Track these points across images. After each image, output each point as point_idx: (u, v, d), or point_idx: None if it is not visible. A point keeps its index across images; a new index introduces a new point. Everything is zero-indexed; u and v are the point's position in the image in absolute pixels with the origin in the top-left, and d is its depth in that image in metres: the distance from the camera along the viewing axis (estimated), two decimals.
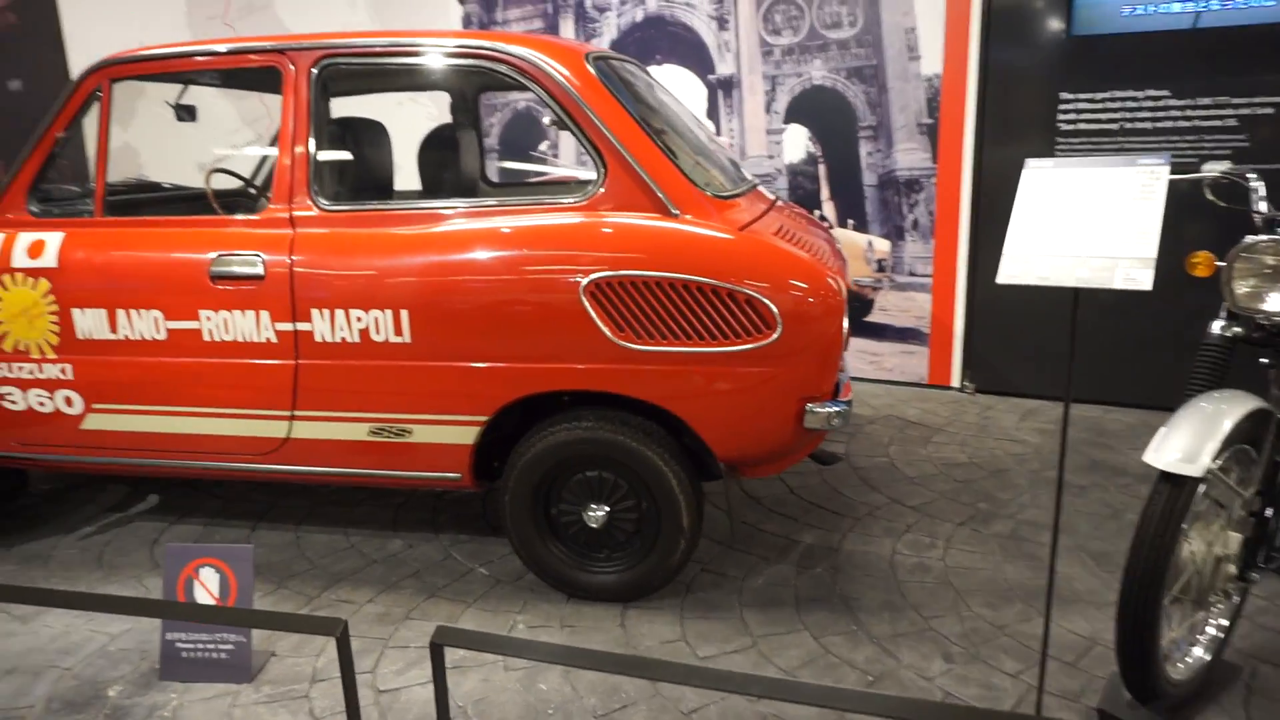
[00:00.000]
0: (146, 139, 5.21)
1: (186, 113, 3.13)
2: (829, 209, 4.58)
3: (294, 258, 2.36)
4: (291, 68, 2.42)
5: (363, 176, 2.61)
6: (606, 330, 2.22)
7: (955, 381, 4.43)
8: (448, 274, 2.27)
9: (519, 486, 2.42)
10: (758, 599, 2.51)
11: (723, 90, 4.70)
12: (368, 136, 2.65)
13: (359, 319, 2.34)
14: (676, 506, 2.34)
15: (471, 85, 3.41)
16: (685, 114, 3.08)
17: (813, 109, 4.51)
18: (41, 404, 2.62)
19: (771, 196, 3.08)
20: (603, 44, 4.96)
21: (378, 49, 2.38)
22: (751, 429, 2.26)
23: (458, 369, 2.33)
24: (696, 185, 2.29)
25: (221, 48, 2.46)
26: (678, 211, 2.25)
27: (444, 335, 2.31)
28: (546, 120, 2.26)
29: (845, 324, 2.29)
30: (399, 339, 2.33)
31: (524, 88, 2.32)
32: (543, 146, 5.19)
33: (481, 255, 2.26)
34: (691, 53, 4.74)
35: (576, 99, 2.28)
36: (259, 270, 2.38)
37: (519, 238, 2.25)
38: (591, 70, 2.34)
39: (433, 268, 2.28)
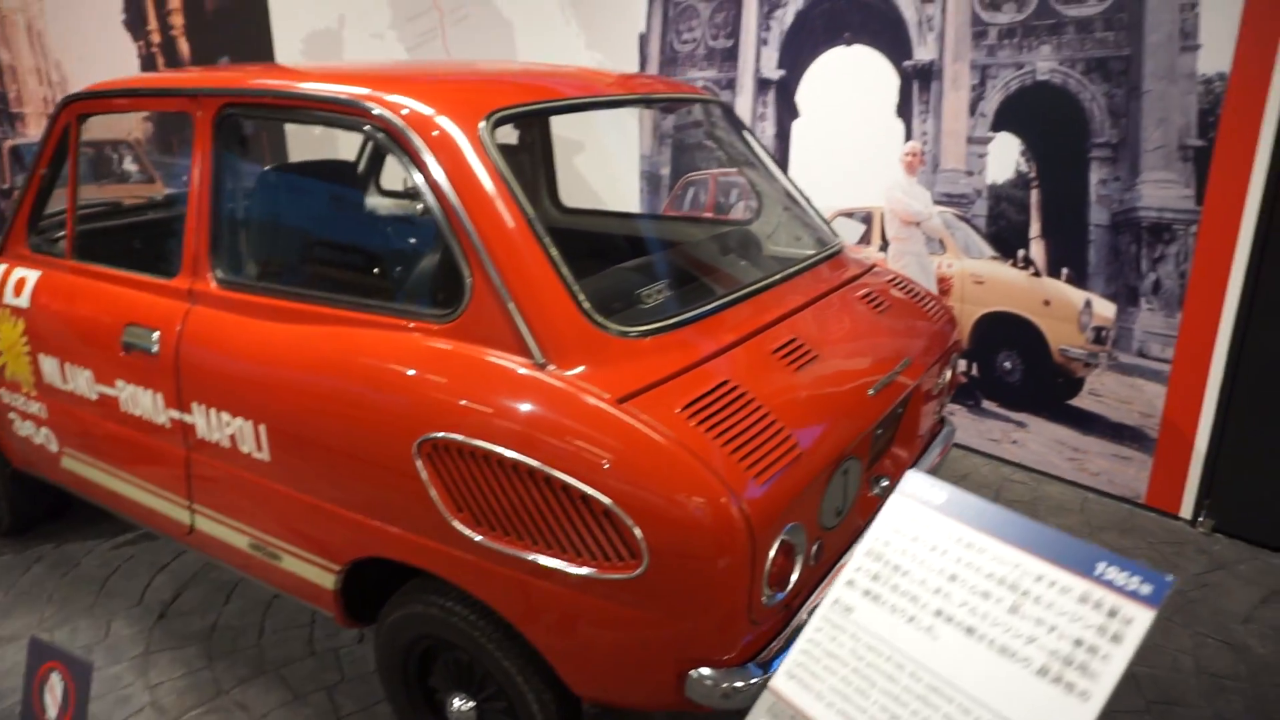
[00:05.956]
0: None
1: None
2: (1037, 250, 3.41)
3: (182, 339, 2.06)
4: (199, 113, 2.07)
5: (309, 241, 2.22)
6: (442, 505, 1.65)
7: (1185, 511, 3.16)
8: (288, 390, 1.83)
9: (385, 646, 1.97)
10: None
11: (919, 81, 3.65)
12: (320, 191, 2.25)
13: (227, 423, 2.00)
14: None
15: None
16: (759, 159, 2.33)
17: (1031, 114, 3.34)
18: (33, 435, 2.64)
19: (865, 266, 2.24)
20: (786, 18, 4.07)
21: (269, 99, 1.94)
22: (613, 678, 1.59)
23: (308, 504, 1.90)
24: (594, 320, 1.61)
25: (157, 87, 2.18)
26: (543, 360, 1.59)
27: (293, 462, 1.89)
28: (419, 208, 1.69)
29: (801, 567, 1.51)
30: (260, 455, 1.95)
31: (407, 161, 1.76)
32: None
33: (320, 372, 1.78)
34: (886, 30, 3.72)
35: (442, 184, 1.67)
36: (154, 347, 2.12)
37: (352, 358, 1.73)
38: (485, 140, 1.71)
39: (276, 378, 1.86)
